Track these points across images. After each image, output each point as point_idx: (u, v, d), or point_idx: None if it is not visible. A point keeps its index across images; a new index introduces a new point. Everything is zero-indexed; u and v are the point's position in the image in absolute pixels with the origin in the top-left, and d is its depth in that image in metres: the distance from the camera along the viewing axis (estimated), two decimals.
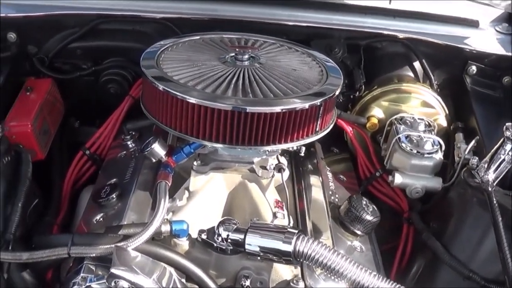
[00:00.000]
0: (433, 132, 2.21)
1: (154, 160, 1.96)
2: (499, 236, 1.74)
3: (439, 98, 2.37)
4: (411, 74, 2.43)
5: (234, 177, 2.00)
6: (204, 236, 1.74)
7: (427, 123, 2.24)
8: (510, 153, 1.86)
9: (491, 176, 1.86)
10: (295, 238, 1.61)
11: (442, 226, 2.04)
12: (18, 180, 1.95)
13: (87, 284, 1.65)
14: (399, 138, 2.16)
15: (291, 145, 1.96)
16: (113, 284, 1.59)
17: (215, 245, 1.73)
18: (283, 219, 1.90)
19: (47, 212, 2.14)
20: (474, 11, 2.48)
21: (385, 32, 2.36)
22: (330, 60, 2.17)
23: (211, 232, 1.73)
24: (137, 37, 2.40)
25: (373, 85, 2.42)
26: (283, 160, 2.05)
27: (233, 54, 2.05)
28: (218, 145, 1.87)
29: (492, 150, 1.89)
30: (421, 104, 2.35)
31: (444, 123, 2.35)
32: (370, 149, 2.32)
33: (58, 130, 2.41)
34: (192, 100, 1.80)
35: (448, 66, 2.44)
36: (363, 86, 2.41)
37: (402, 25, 2.40)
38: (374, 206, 1.96)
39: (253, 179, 1.99)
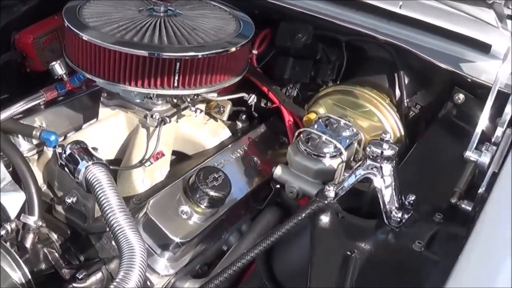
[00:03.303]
0: (355, 142, 1.94)
1: (55, 77, 2.10)
2: None
3: (394, 115, 2.09)
4: (385, 84, 2.14)
5: (133, 119, 2.07)
6: (59, 150, 1.83)
7: (353, 132, 1.97)
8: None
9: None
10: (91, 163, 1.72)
11: None
12: None
13: None
14: (300, 132, 1.95)
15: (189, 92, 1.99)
16: None
17: (59, 161, 1.83)
18: (148, 167, 1.98)
19: None
20: (495, 36, 2.06)
21: (363, 31, 2.10)
22: (247, 17, 2.14)
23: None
24: None
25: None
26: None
27: (150, 6, 2.10)
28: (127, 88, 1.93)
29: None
30: (367, 114, 2.09)
31: None
32: None
33: None
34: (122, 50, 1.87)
35: (435, 88, 2.11)
36: (329, 82, 2.25)
37: (394, 30, 2.12)
38: (230, 183, 1.90)
39: (147, 125, 2.04)
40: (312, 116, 2.13)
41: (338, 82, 2.28)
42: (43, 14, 2.29)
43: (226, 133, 2.26)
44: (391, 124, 2.10)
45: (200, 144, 2.20)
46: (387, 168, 1.62)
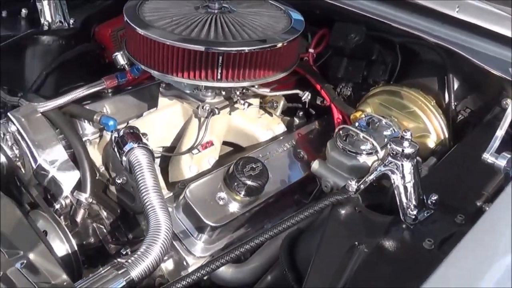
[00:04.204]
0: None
1: (117, 66, 2.25)
2: None
3: (439, 118, 2.10)
4: (434, 86, 2.16)
5: (188, 109, 2.20)
6: (115, 135, 1.98)
7: (394, 131, 2.01)
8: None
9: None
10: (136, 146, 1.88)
11: None
12: None
13: None
14: (339, 129, 2.01)
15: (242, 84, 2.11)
16: (6, 125, 2.03)
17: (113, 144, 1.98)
18: (196, 155, 2.12)
19: None
20: None
21: (414, 33, 2.12)
22: (300, 16, 2.21)
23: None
24: None
25: None
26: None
27: (206, 4, 2.21)
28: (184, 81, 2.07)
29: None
30: (411, 115, 2.11)
31: (431, 145, 2.05)
32: None
33: None
34: (167, 42, 2.00)
35: (485, 92, 2.10)
36: (380, 82, 2.30)
37: (447, 33, 2.12)
38: (267, 174, 1.98)
39: (198, 115, 2.16)
40: (358, 114, 2.17)
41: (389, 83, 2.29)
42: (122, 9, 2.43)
43: (280, 128, 2.34)
44: (435, 126, 2.11)
45: (253, 136, 2.29)
46: (407, 166, 1.65)
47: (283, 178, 2.14)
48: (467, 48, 2.08)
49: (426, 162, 2.00)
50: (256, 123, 2.30)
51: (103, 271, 1.58)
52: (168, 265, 1.98)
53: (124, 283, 1.56)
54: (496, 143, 1.63)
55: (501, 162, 1.59)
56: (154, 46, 2.01)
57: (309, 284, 1.53)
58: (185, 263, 1.95)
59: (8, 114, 2.05)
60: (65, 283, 1.51)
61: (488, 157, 1.61)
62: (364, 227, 1.65)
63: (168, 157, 2.16)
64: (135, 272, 1.58)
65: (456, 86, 2.16)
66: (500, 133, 1.65)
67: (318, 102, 2.39)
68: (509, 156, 1.58)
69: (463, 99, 2.17)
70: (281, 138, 2.27)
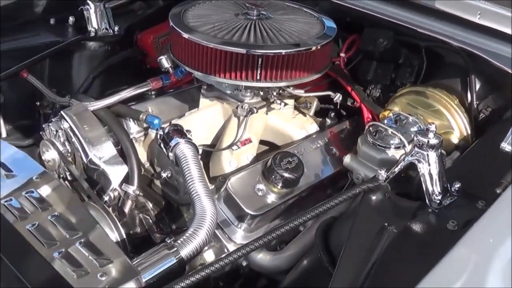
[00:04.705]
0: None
1: (162, 69, 2.43)
2: None
3: (462, 115, 2.25)
4: (457, 87, 2.31)
5: (228, 109, 2.37)
6: (160, 132, 2.14)
7: (420, 128, 2.15)
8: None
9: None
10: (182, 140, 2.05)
11: None
12: None
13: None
14: (370, 125, 2.16)
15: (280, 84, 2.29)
16: (59, 122, 2.21)
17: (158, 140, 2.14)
18: (236, 151, 2.28)
19: None
20: None
21: (439, 37, 2.28)
22: (332, 23, 2.38)
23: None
24: None
25: None
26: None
27: (245, 11, 2.39)
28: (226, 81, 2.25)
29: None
30: (436, 113, 2.26)
31: (455, 141, 2.20)
32: None
33: None
34: (211, 45, 2.18)
35: (506, 92, 2.24)
36: (407, 84, 2.45)
37: (470, 38, 2.27)
38: (303, 167, 2.13)
39: (238, 115, 2.33)
40: (387, 113, 2.31)
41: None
42: (164, 17, 2.55)
43: (313, 127, 2.49)
44: (458, 123, 2.25)
45: (288, 135, 2.44)
46: (432, 155, 1.80)
47: (317, 172, 2.28)
48: (488, 51, 2.21)
49: (450, 156, 2.13)
50: (291, 123, 2.45)
51: (156, 250, 1.74)
52: (209, 253, 2.10)
53: (175, 260, 1.72)
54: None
55: None
56: (198, 49, 2.18)
57: (343, 264, 1.66)
58: (226, 250, 2.08)
59: (61, 112, 2.22)
60: (122, 261, 1.65)
61: (505, 146, 1.76)
62: (393, 211, 1.79)
63: (209, 154, 2.31)
64: (185, 252, 1.74)
65: (478, 87, 2.30)
66: None
67: (349, 103, 2.54)
68: None
69: (485, 99, 2.31)
70: (314, 136, 2.42)
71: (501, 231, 1.54)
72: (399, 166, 1.88)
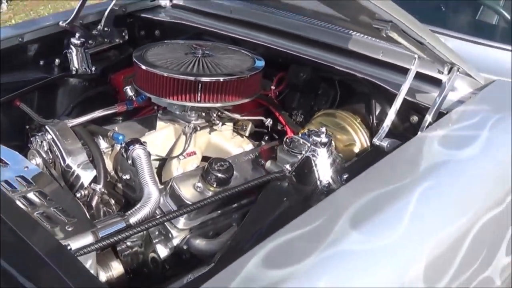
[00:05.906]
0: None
1: (127, 97, 3.04)
2: None
3: (363, 131, 2.81)
4: (361, 109, 2.89)
5: (178, 129, 2.94)
6: (123, 145, 2.69)
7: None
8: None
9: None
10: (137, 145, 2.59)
11: None
12: None
13: None
14: (286, 138, 2.71)
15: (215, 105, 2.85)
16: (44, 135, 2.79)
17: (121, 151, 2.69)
18: (182, 160, 2.83)
19: None
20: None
21: (347, 71, 2.86)
22: (261, 59, 2.97)
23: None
24: None
25: None
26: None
27: (193, 51, 3.01)
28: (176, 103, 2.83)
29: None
30: (342, 130, 2.83)
31: (356, 150, 2.77)
32: None
33: None
34: (165, 74, 2.79)
35: (399, 113, 2.76)
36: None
37: (374, 71, 2.84)
38: (233, 169, 2.59)
39: (185, 132, 2.90)
40: (303, 130, 2.87)
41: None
42: (132, 62, 3.17)
43: (249, 147, 3.02)
44: (360, 137, 2.80)
45: (228, 152, 2.96)
46: (323, 151, 2.36)
47: (247, 178, 2.76)
48: (388, 81, 2.77)
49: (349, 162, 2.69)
50: (230, 142, 3.00)
51: (112, 216, 2.32)
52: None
53: (124, 224, 2.26)
54: (383, 131, 2.37)
55: (384, 143, 2.32)
56: (155, 77, 2.78)
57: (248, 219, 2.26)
58: (170, 235, 2.56)
59: (46, 126, 2.80)
60: (84, 219, 2.25)
61: (375, 141, 2.34)
62: (291, 192, 2.35)
63: (161, 166, 2.87)
64: (133, 219, 2.28)
65: (378, 109, 2.88)
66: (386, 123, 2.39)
67: (279, 127, 3.12)
68: (388, 140, 2.31)
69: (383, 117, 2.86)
70: (247, 151, 2.96)
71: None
72: (300, 161, 2.42)
